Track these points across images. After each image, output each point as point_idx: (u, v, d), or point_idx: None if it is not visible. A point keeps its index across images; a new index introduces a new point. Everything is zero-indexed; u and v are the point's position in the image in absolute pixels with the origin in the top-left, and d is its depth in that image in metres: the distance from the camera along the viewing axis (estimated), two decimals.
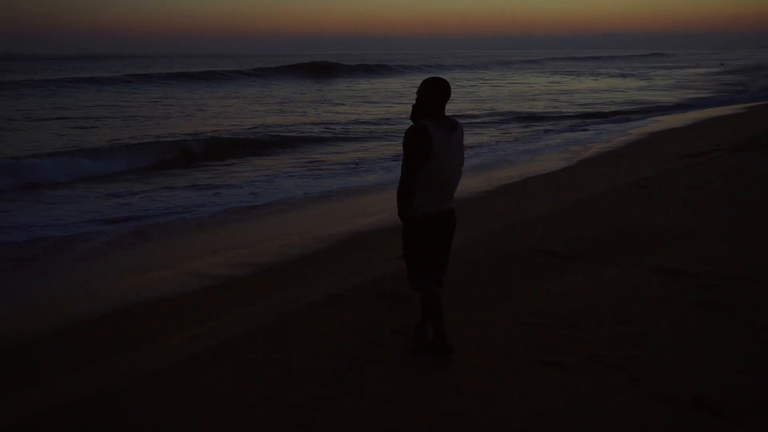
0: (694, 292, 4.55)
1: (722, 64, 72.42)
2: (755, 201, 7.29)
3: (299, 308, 4.54)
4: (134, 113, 23.29)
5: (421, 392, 3.42)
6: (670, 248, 5.62)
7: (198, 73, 43.48)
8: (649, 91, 34.64)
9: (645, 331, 3.95)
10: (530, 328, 4.08)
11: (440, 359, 3.71)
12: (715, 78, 45.31)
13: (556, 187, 9.10)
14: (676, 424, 3.03)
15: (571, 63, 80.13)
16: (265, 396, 3.41)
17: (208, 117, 22.29)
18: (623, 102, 28.13)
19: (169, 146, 14.69)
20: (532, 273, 5.13)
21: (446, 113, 3.58)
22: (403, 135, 3.45)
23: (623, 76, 52.58)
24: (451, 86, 3.59)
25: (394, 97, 31.04)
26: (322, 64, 50.02)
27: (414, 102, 3.55)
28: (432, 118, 3.44)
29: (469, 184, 9.48)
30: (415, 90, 3.58)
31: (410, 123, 3.53)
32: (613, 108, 25.44)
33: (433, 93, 3.46)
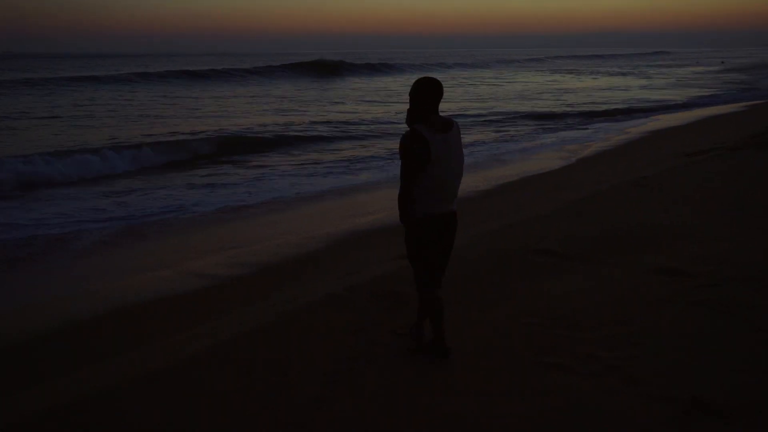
0: (694, 292, 4.54)
1: (722, 62, 72.40)
2: (755, 200, 7.28)
3: (297, 308, 4.53)
4: (135, 112, 23.28)
5: (420, 392, 3.41)
6: (669, 247, 5.61)
7: (201, 72, 43.32)
8: (653, 90, 34.57)
9: (644, 332, 3.94)
10: (529, 329, 4.07)
11: (438, 360, 3.70)
12: (717, 76, 45.25)
13: (554, 186, 9.09)
14: (675, 424, 3.02)
15: (572, 61, 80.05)
16: (264, 397, 3.41)
17: (209, 116, 22.27)
18: (624, 101, 28.07)
19: (169, 146, 14.68)
20: (531, 273, 5.12)
21: (447, 113, 3.54)
22: (399, 141, 3.40)
23: (624, 74, 52.52)
24: (448, 85, 3.54)
25: (403, 95, 31.05)
26: (327, 63, 49.61)
27: (408, 106, 3.49)
28: (426, 121, 3.38)
29: (467, 182, 9.40)
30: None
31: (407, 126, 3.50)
32: (614, 107, 25.38)
33: (425, 94, 3.40)
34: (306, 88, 36.06)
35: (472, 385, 3.45)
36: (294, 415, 3.23)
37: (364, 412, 3.23)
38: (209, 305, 5.32)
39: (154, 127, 18.77)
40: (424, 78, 3.49)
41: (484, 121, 21.21)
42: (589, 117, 22.28)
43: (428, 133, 3.33)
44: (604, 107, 25.16)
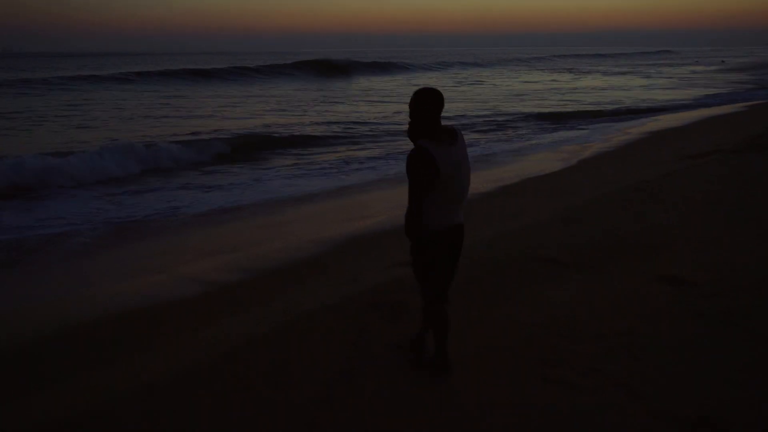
0: (697, 302, 4.48)
1: (723, 62, 72.35)
2: (758, 204, 7.22)
3: (296, 317, 4.47)
4: (137, 112, 23.21)
5: (418, 405, 3.36)
6: (671, 254, 5.56)
7: (206, 71, 43.14)
8: (658, 90, 34.38)
9: (647, 344, 3.88)
10: (530, 340, 4.01)
11: (438, 375, 3.64)
12: (721, 76, 45.08)
13: (555, 189, 9.02)
14: None
15: (573, 60, 79.87)
16: (263, 408, 3.36)
17: (214, 116, 22.21)
18: (628, 100, 27.95)
19: (177, 146, 14.58)
20: (531, 280, 5.06)
21: (448, 114, 3.44)
22: (406, 161, 3.27)
23: (625, 74, 52.34)
24: (449, 85, 3.43)
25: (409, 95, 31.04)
26: (334, 62, 49.24)
27: (409, 119, 3.39)
28: (431, 136, 3.27)
29: None
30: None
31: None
32: (615, 107, 25.29)
33: (427, 107, 3.28)
34: (317, 89, 35.89)
35: (470, 400, 3.39)
36: (292, 425, 3.18)
37: (363, 424, 3.18)
38: (207, 312, 5.26)
39: (156, 128, 18.72)
40: (424, 90, 3.35)
41: (486, 121, 21.11)
42: (591, 117, 22.21)
43: (434, 148, 3.21)
44: (609, 107, 25.00)
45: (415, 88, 3.44)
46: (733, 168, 9.30)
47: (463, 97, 29.49)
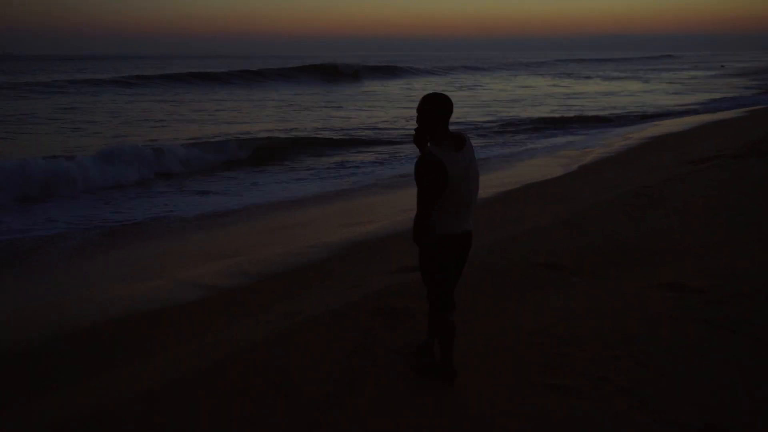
0: (701, 309, 4.46)
1: (722, 66, 72.43)
2: (759, 210, 7.20)
3: (298, 324, 4.44)
4: (135, 116, 23.19)
5: (421, 413, 3.32)
6: (674, 261, 5.54)
7: (215, 74, 42.92)
8: (666, 95, 34.28)
9: (651, 352, 3.85)
10: (532, 348, 3.98)
11: (442, 383, 3.61)
12: (726, 81, 44.99)
13: (556, 195, 9.00)
14: None
15: (574, 65, 79.84)
16: (263, 416, 3.33)
17: (223, 121, 22.20)
18: (631, 105, 27.86)
19: (186, 149, 14.56)
20: (534, 287, 5.03)
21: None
22: (414, 167, 3.24)
23: (627, 78, 52.25)
24: (451, 89, 3.39)
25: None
26: (337, 67, 48.72)
27: (416, 124, 3.35)
28: (439, 142, 3.25)
29: None
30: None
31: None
32: (617, 112, 25.23)
33: (436, 112, 3.25)
34: (322, 93, 35.81)
35: (474, 405, 3.36)
36: (293, 430, 3.16)
37: (364, 428, 3.16)
38: (208, 316, 5.24)
39: (161, 132, 18.72)
40: (433, 95, 3.31)
41: (487, 126, 21.09)
42: (591, 122, 22.18)
43: (443, 155, 3.18)
44: (611, 112, 24.93)
45: (423, 93, 3.41)
46: (734, 173, 9.29)
47: (463, 102, 29.52)
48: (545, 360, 3.82)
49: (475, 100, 31.17)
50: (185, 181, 12.42)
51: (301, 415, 3.34)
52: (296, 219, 9.30)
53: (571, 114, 24.30)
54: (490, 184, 10.30)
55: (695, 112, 24.72)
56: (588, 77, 54.51)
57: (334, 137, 18.19)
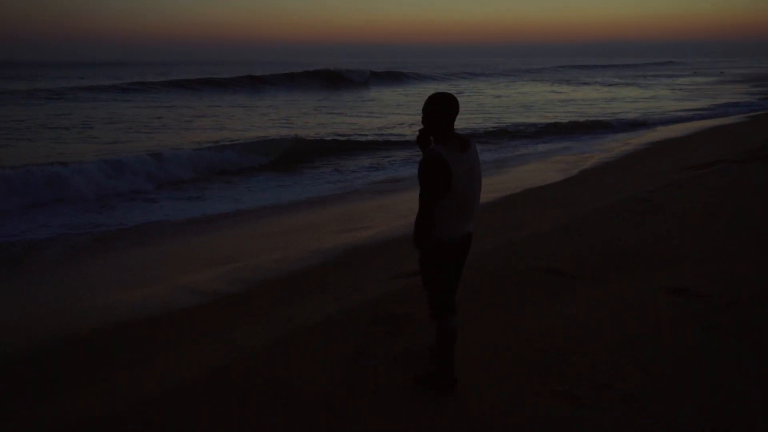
0: (706, 314, 4.41)
1: (722, 72, 72.62)
2: (760, 215, 7.17)
3: (296, 331, 4.39)
4: (135, 123, 23.16)
5: (421, 423, 3.27)
6: (677, 266, 5.49)
7: (221, 80, 42.75)
8: (668, 101, 34.22)
9: (657, 358, 3.79)
10: (534, 354, 3.92)
11: (442, 392, 3.54)
12: (729, 87, 44.95)
13: (557, 200, 8.97)
14: None
15: (573, 71, 79.94)
16: (260, 422, 3.29)
17: (210, 128, 22.19)
18: (635, 112, 27.79)
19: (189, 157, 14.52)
20: (537, 293, 4.98)
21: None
22: (419, 166, 3.18)
23: (628, 84, 52.19)
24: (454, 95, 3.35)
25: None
26: (339, 73, 48.25)
27: (421, 124, 3.28)
28: (444, 142, 3.19)
29: None
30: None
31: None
32: (618, 117, 25.20)
33: (443, 112, 3.18)
34: (324, 98, 35.82)
35: (477, 415, 3.30)
36: None
37: None
38: (205, 324, 5.19)
39: (155, 138, 18.70)
40: (440, 94, 3.24)
41: (485, 131, 21.08)
42: (592, 127, 22.12)
43: (448, 155, 3.12)
44: (611, 118, 24.90)
45: (428, 95, 3.37)
46: (734, 179, 9.25)
47: (466, 108, 29.53)
48: (547, 366, 3.76)
49: (473, 104, 31.20)
50: (185, 186, 12.43)
51: (298, 423, 3.29)
52: (293, 224, 9.28)
53: (570, 120, 24.21)
54: (491, 188, 10.27)
55: (701, 117, 24.63)
56: (586, 83, 54.52)
57: (341, 143, 18.17)
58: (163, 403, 3.50)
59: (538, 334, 4.19)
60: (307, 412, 3.37)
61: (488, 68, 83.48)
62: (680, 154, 13.29)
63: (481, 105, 31.34)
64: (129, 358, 4.58)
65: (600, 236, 6.46)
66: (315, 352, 4.04)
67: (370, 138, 19.33)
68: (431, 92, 3.36)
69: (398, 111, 27.48)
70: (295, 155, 15.96)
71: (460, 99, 3.41)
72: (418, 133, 3.35)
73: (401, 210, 9.30)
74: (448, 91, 3.36)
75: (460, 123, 22.18)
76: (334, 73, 48.61)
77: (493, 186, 10.66)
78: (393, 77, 53.32)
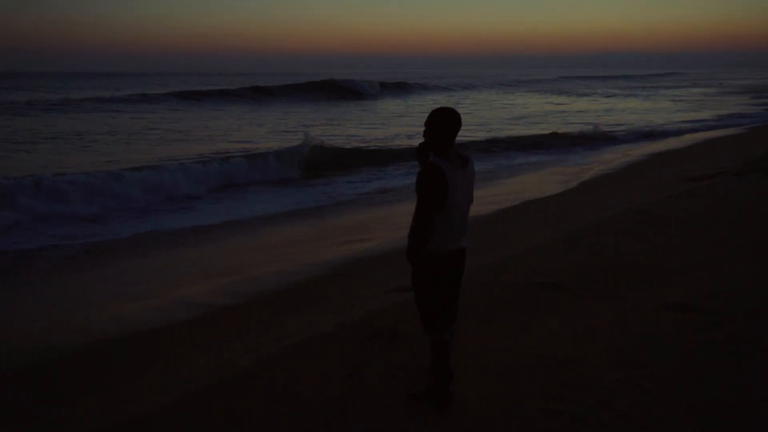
0: (706, 330, 4.34)
1: (720, 84, 72.97)
2: (761, 229, 7.11)
3: (291, 346, 4.34)
4: (133, 135, 23.16)
5: None
6: (677, 281, 5.43)
7: (236, 91, 42.80)
8: (670, 112, 34.23)
9: (656, 375, 3.72)
10: (531, 371, 3.86)
11: (437, 408, 3.49)
12: (733, 98, 44.99)
13: (556, 213, 8.93)
14: None
15: (578, 82, 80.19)
16: None
17: (208, 139, 22.17)
18: (637, 123, 27.80)
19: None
20: (535, 308, 4.92)
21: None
22: (417, 177, 3.19)
23: (628, 96, 52.19)
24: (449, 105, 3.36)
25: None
26: (338, 84, 48.35)
27: (423, 137, 3.30)
28: (444, 155, 3.20)
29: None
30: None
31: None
32: (620, 128, 25.17)
33: (446, 127, 3.20)
34: (326, 110, 35.87)
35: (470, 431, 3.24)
36: None
37: None
38: (201, 339, 5.14)
39: (156, 150, 18.69)
40: (444, 109, 3.27)
41: (485, 143, 21.02)
42: (594, 139, 22.01)
43: (447, 168, 3.15)
44: (613, 129, 24.83)
45: (432, 108, 3.38)
46: (735, 191, 9.20)
47: (465, 119, 29.40)
48: (544, 384, 3.70)
49: (473, 116, 31.21)
50: (180, 197, 12.30)
51: None
52: (294, 235, 9.24)
53: (569, 131, 24.13)
54: (489, 200, 10.24)
55: (709, 128, 24.57)
56: (586, 94, 54.65)
57: (342, 151, 18.13)
58: (156, 421, 3.46)
59: (536, 351, 4.13)
60: (302, 430, 3.29)
61: (489, 79, 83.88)
62: (681, 166, 13.26)
63: (480, 117, 31.34)
64: (123, 374, 4.53)
65: (599, 250, 6.40)
66: (311, 368, 3.99)
67: (375, 148, 19.33)
68: (435, 104, 3.36)
69: (402, 123, 27.53)
70: (300, 165, 15.84)
71: (459, 110, 3.41)
72: (417, 146, 3.37)
73: (401, 222, 9.27)
74: (450, 106, 3.38)
75: (460, 133, 22.20)
76: (344, 83, 48.56)
77: (492, 198, 10.62)
78: (401, 88, 53.50)
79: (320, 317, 5.12)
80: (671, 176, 11.65)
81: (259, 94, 42.80)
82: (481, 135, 22.89)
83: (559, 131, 23.67)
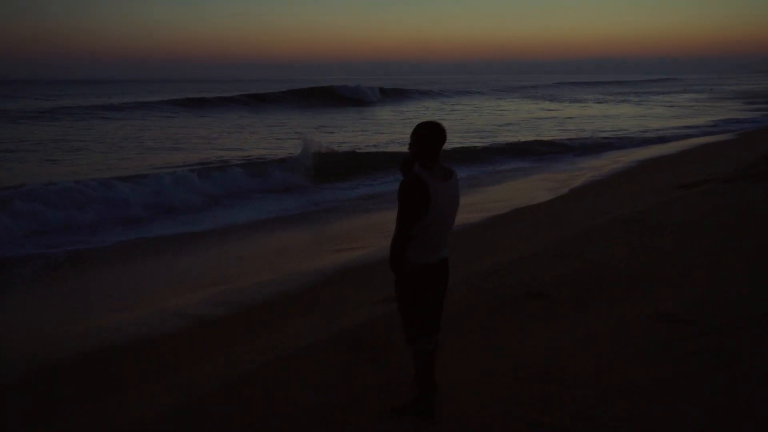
0: (693, 341, 4.31)
1: (711, 90, 73.47)
2: (752, 237, 7.10)
3: (277, 358, 4.34)
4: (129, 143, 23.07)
5: None
6: (665, 290, 5.41)
7: (240, 97, 42.67)
8: (665, 118, 34.24)
9: (643, 387, 3.70)
10: (518, 382, 3.84)
11: (422, 420, 3.47)
12: (728, 104, 45.16)
13: (546, 220, 8.92)
14: None
15: (572, 88, 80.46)
16: None
17: (204, 146, 22.11)
18: (632, 129, 27.81)
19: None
20: (522, 318, 4.90)
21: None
22: (399, 187, 3.23)
23: (621, 102, 52.24)
24: (446, 113, 3.37)
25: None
26: (335, 90, 48.13)
27: (408, 150, 3.34)
28: (427, 167, 3.24)
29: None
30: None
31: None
32: (617, 134, 25.17)
33: (431, 141, 3.25)
34: (320, 116, 35.79)
35: None
36: None
37: None
38: (188, 350, 5.11)
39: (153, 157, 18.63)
40: (430, 123, 3.33)
41: (477, 149, 20.99)
42: (588, 146, 21.94)
43: (429, 179, 3.19)
44: (606, 135, 24.79)
45: (420, 119, 3.41)
46: (726, 198, 9.20)
47: (452, 125, 29.51)
48: (530, 396, 3.68)
49: (464, 122, 31.22)
50: (170, 205, 12.19)
51: None
52: (285, 243, 9.21)
53: (559, 137, 24.10)
54: (478, 208, 10.22)
55: (701, 134, 24.60)
56: (581, 100, 54.81)
57: (341, 159, 18.07)
58: (154, 427, 3.46)
59: (522, 362, 4.12)
60: None
61: (484, 85, 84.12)
62: (672, 172, 13.28)
63: (470, 123, 31.30)
64: (110, 387, 4.50)
65: (589, 258, 6.39)
66: (297, 381, 3.98)
67: (373, 151, 19.33)
68: (435, 110, 3.37)
69: (399, 130, 27.46)
70: (298, 173, 15.75)
71: (452, 115, 3.43)
72: (402, 160, 3.40)
73: (391, 229, 9.23)
74: (435, 119, 3.42)
75: (453, 138, 22.23)
76: (344, 89, 48.36)
77: (481, 205, 10.61)
78: (400, 94, 53.54)
79: (310, 327, 5.10)
80: (663, 183, 11.67)
81: (257, 101, 42.82)
82: (473, 141, 22.88)
83: (550, 137, 23.69)
